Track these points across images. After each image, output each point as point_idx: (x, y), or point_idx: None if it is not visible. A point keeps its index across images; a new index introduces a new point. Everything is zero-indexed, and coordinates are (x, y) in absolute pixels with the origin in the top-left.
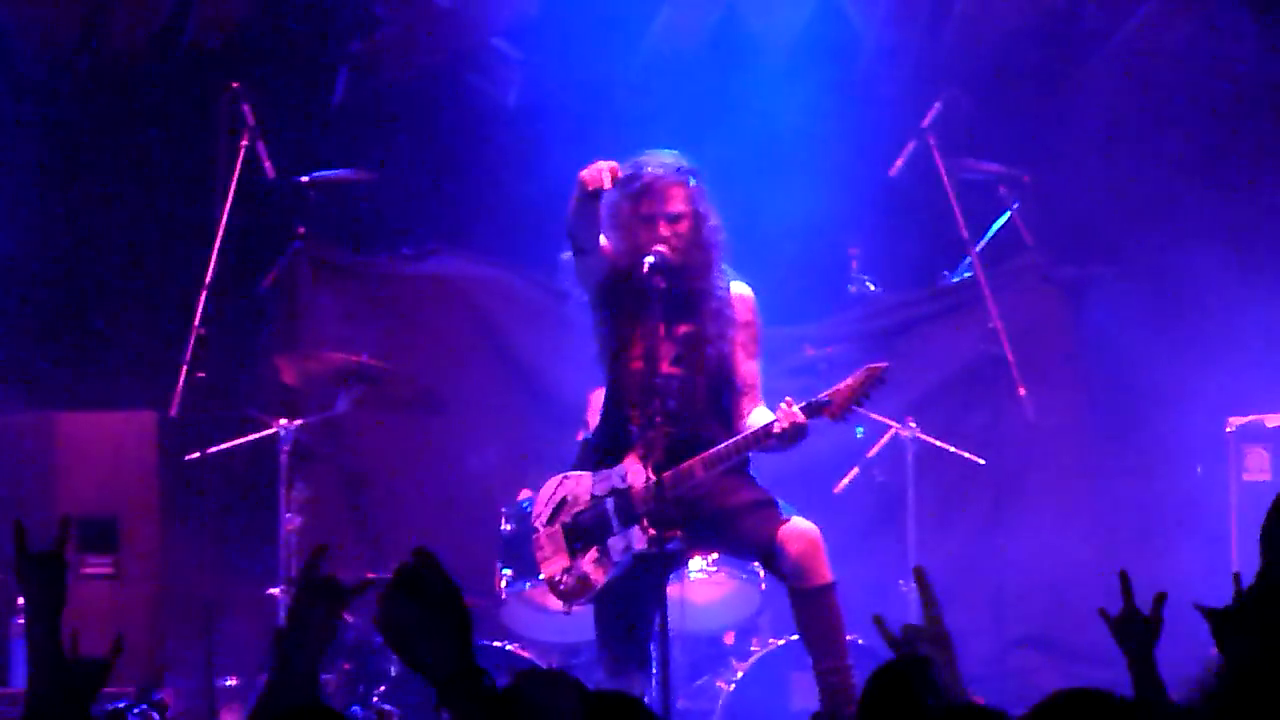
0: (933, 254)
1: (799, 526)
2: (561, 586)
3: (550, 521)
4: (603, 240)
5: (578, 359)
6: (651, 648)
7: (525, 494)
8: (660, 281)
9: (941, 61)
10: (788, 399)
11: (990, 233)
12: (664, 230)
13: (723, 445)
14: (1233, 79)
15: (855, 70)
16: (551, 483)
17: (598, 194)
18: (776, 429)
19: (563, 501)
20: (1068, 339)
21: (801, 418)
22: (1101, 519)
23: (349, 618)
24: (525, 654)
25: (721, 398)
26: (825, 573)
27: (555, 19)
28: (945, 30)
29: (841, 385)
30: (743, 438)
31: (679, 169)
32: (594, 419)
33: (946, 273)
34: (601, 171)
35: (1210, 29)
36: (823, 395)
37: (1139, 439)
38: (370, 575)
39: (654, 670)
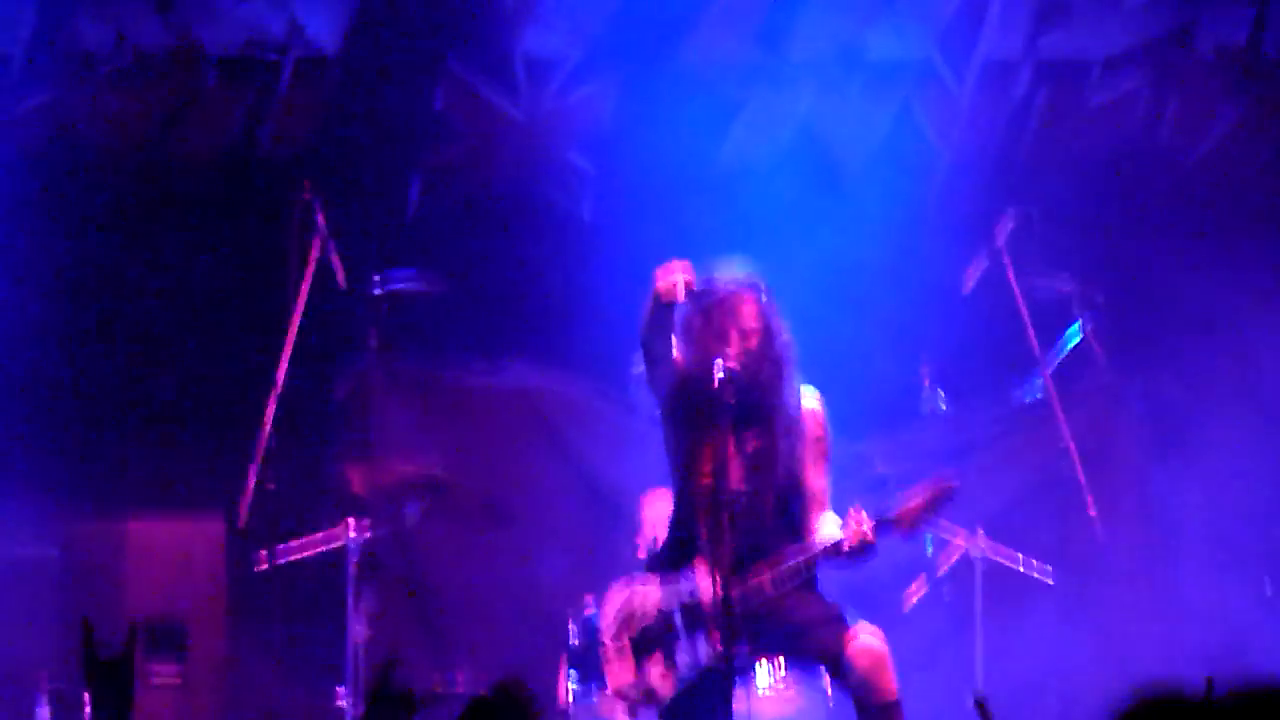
0: (1004, 371)
1: (868, 642)
2: (628, 699)
3: (618, 634)
4: (674, 351)
5: (644, 472)
6: None
7: (590, 605)
8: (731, 395)
9: (1016, 176)
10: (859, 510)
11: (1063, 352)
12: (735, 343)
13: (792, 560)
14: None
15: (929, 185)
16: (619, 593)
17: (672, 304)
18: (846, 546)
19: (630, 614)
20: (1139, 458)
21: (871, 535)
22: (1173, 633)
23: None
24: None
25: (790, 511)
26: (892, 689)
27: (629, 132)
28: (1020, 145)
29: (911, 501)
30: (812, 554)
31: (751, 282)
32: (647, 526)
33: (1018, 390)
34: (676, 282)
35: None
36: (892, 511)
37: (1208, 549)
38: (439, 687)
39: None
